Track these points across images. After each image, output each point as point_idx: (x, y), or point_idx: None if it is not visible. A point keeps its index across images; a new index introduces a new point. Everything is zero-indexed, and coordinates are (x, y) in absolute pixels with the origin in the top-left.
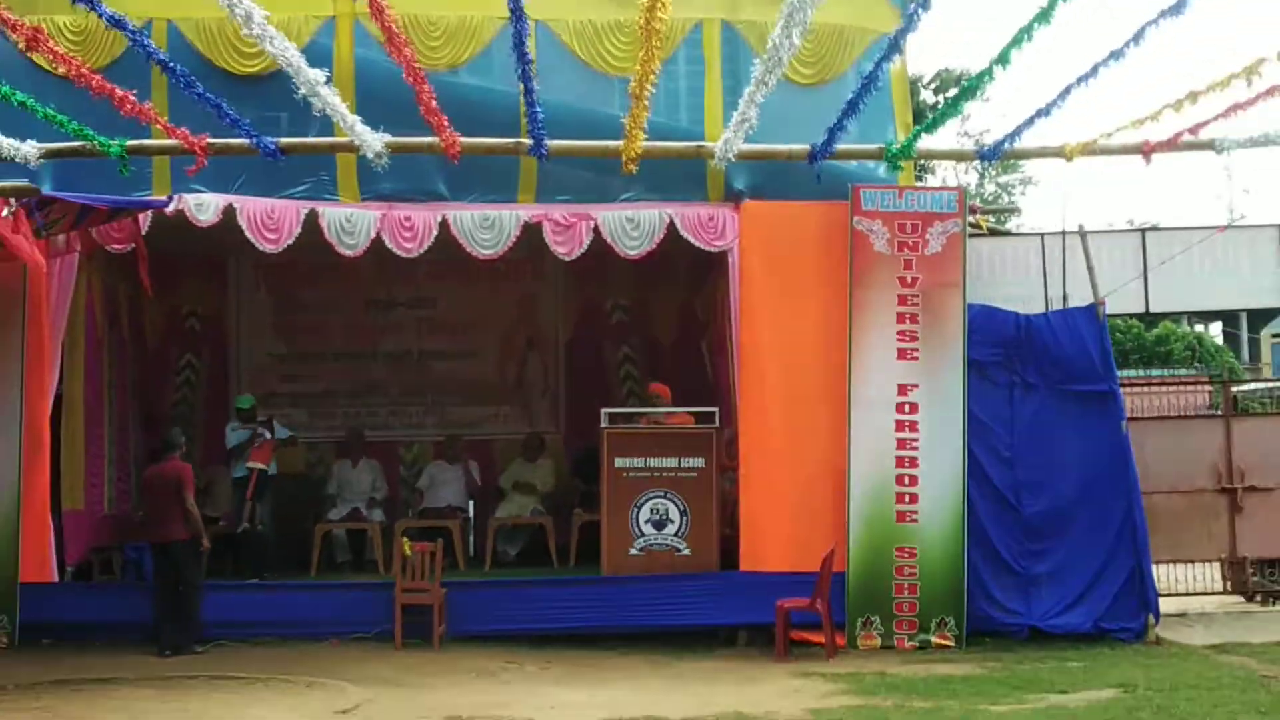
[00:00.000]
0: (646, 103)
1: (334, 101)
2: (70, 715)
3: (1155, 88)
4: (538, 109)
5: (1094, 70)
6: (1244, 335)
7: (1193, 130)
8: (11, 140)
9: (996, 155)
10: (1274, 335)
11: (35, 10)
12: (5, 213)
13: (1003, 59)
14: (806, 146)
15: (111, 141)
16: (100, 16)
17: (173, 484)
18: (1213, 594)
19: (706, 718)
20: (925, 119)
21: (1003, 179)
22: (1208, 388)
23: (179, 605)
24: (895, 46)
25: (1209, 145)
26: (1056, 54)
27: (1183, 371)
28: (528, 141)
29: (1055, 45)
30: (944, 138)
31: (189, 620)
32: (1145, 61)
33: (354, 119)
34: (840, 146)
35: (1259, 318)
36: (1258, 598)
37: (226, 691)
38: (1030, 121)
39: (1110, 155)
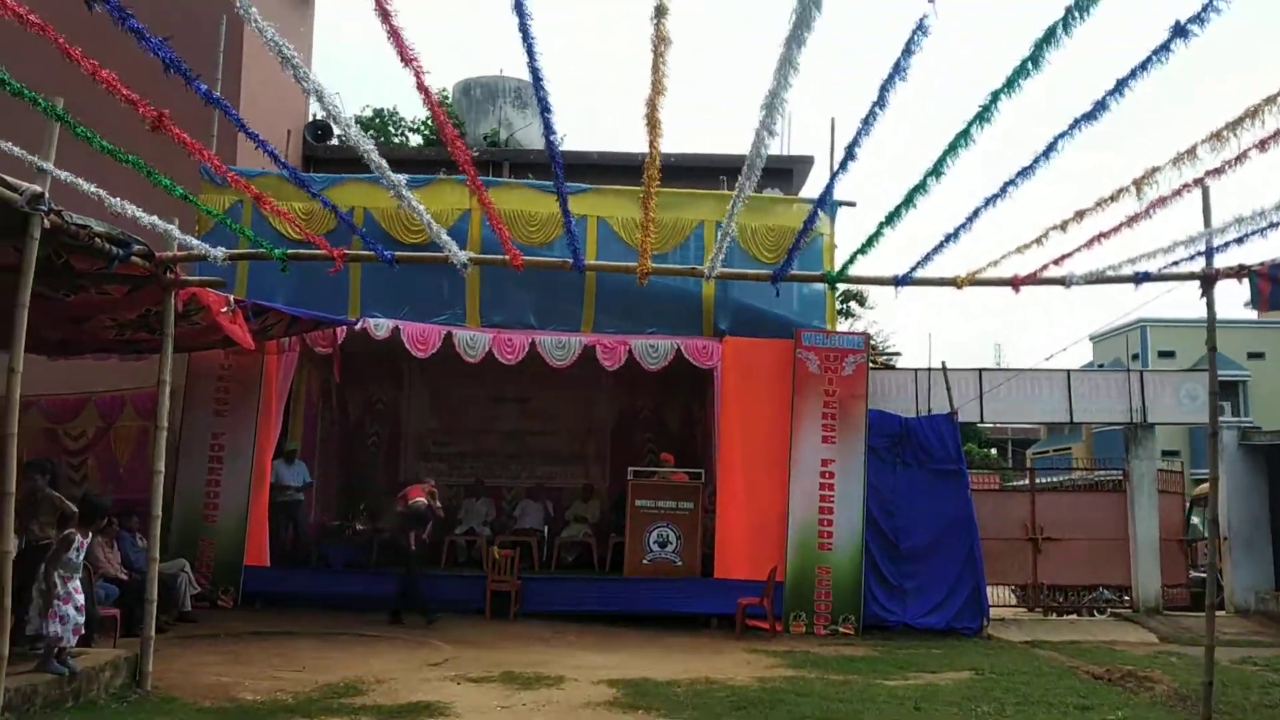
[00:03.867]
0: (650, 247)
1: (445, 238)
2: (247, 656)
3: (1018, 230)
4: (577, 243)
5: (989, 202)
6: (1010, 451)
7: (1057, 261)
8: (204, 243)
9: (908, 281)
10: (1034, 454)
11: (285, 198)
12: (225, 309)
13: (905, 205)
14: (770, 271)
15: (275, 249)
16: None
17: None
18: (1008, 606)
19: (684, 681)
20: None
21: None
22: (998, 480)
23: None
24: (814, 214)
25: (1061, 281)
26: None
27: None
28: (569, 260)
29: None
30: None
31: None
32: (1010, 212)
33: (452, 243)
34: (794, 272)
35: (1022, 444)
36: (1045, 611)
37: (361, 645)
38: (938, 248)
39: (989, 286)
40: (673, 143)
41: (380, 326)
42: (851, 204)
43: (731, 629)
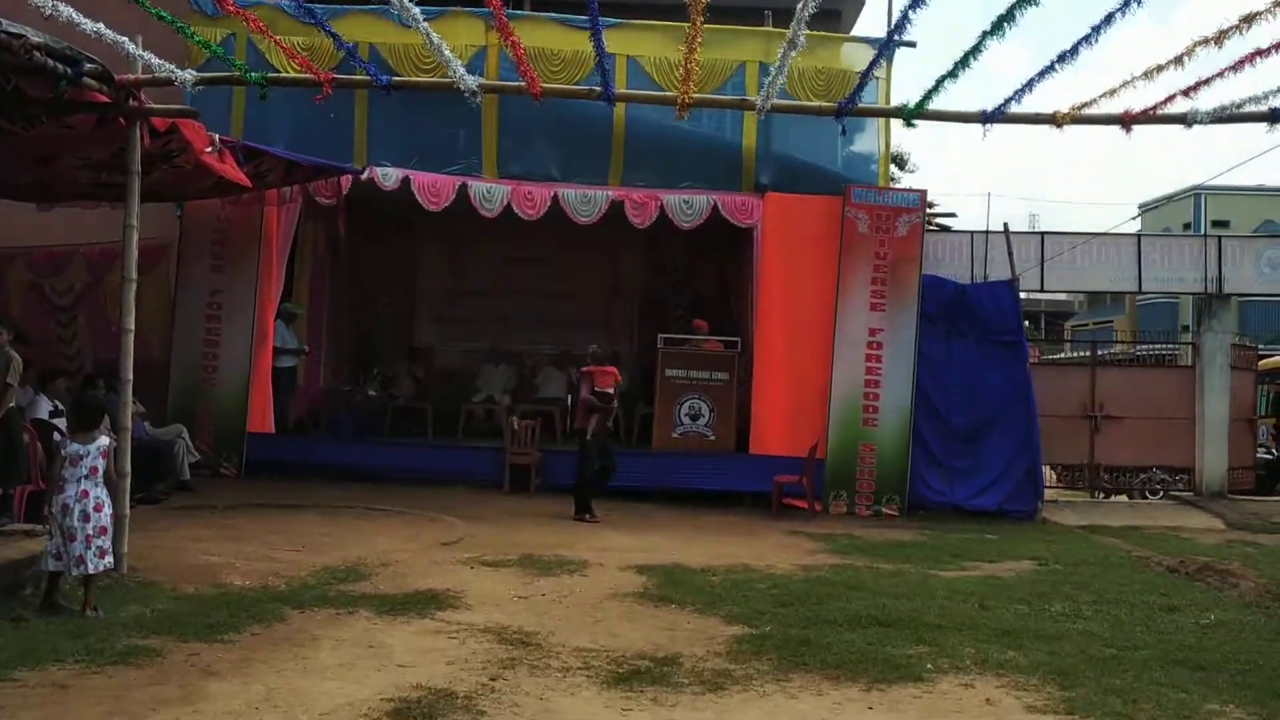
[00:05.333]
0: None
1: (448, 54)
2: (243, 532)
3: (1132, 59)
4: (608, 70)
5: (1093, 34)
6: (1043, 323)
7: (1186, 92)
8: (171, 65)
9: (999, 118)
10: (1073, 326)
11: (283, 32)
12: (210, 149)
13: (998, 28)
14: (834, 104)
15: (253, 72)
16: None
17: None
18: (1053, 486)
19: (719, 568)
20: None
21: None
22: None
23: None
24: (884, 46)
25: (1181, 119)
26: (1026, 41)
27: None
28: (598, 89)
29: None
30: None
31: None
32: (1122, 40)
33: (461, 70)
34: (861, 106)
35: (1056, 317)
36: (1093, 493)
37: (369, 520)
38: (1043, 74)
39: (1095, 124)
40: None
41: (388, 176)
42: (912, 44)
43: (766, 508)
